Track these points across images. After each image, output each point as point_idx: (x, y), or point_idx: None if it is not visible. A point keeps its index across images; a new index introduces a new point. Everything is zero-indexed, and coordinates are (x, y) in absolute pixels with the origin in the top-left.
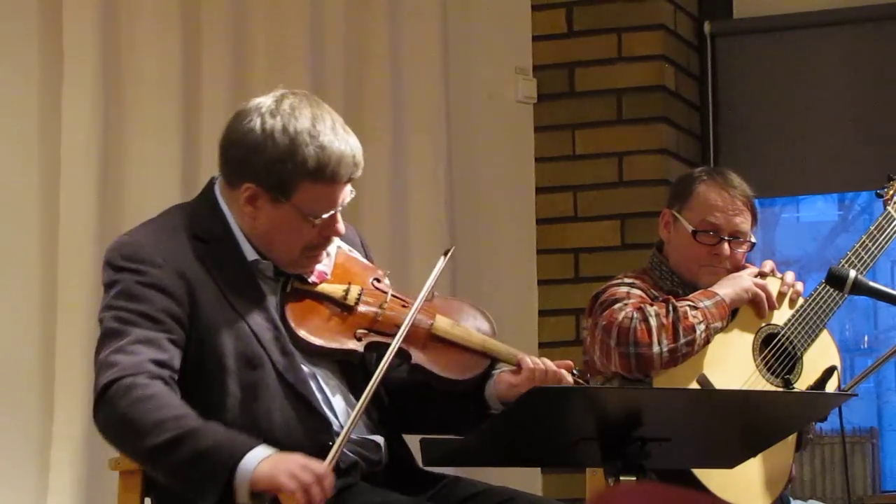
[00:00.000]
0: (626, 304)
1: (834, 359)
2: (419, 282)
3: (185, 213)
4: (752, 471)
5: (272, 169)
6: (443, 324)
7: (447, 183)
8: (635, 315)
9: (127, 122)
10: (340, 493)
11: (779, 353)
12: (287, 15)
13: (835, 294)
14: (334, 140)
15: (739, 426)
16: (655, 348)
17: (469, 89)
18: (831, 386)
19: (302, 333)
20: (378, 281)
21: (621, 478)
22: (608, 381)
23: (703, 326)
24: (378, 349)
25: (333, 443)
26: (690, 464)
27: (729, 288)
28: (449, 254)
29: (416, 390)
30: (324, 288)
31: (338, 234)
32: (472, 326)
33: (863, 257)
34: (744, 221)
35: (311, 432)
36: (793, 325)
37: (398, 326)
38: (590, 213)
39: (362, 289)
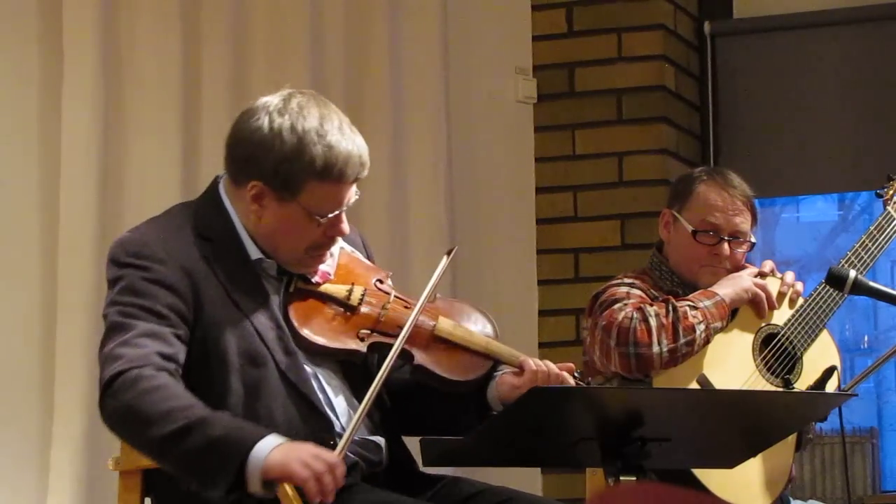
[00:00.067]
0: (625, 304)
1: (834, 359)
2: (419, 282)
3: (189, 211)
4: (752, 471)
5: (279, 167)
6: (445, 325)
7: (447, 183)
8: (635, 315)
9: (127, 122)
10: (340, 493)
11: (779, 353)
12: (287, 15)
13: (835, 294)
14: (342, 140)
15: (739, 426)
16: (655, 348)
17: (469, 89)
18: (831, 386)
19: (305, 333)
20: (381, 282)
21: (621, 478)
22: (608, 382)
23: (702, 326)
24: (381, 350)
25: (335, 442)
26: (690, 464)
27: (729, 288)
28: (452, 254)
29: (417, 392)
30: (327, 288)
31: (342, 234)
32: (474, 328)
33: (863, 257)
34: (744, 221)
35: (312, 431)
36: (793, 325)
37: (401, 327)
38: (590, 213)
39: (365, 289)
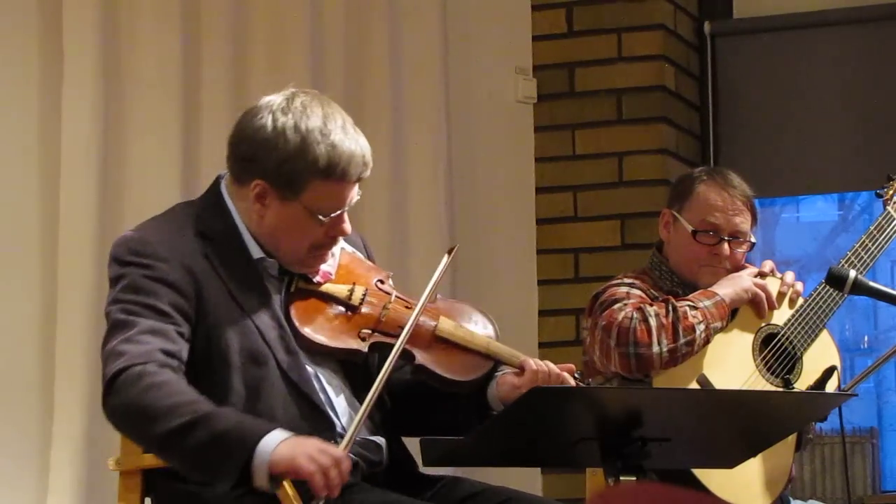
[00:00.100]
0: (625, 304)
1: (834, 359)
2: (419, 281)
3: (191, 210)
4: (752, 471)
5: (282, 166)
6: (446, 325)
7: (447, 183)
8: (635, 315)
9: (127, 122)
10: (341, 492)
11: (779, 353)
12: (287, 15)
13: (835, 294)
14: (345, 139)
15: (739, 426)
16: (655, 348)
17: (469, 89)
18: (831, 386)
19: (306, 332)
20: (382, 282)
21: (621, 478)
22: (608, 382)
23: (702, 326)
24: (382, 349)
25: (336, 442)
26: (690, 464)
27: (729, 288)
28: (453, 252)
29: (418, 392)
30: (328, 288)
31: (343, 233)
32: (475, 329)
33: (863, 257)
34: (744, 221)
35: (313, 430)
36: (793, 325)
37: (402, 327)
38: (590, 213)
39: (366, 289)
